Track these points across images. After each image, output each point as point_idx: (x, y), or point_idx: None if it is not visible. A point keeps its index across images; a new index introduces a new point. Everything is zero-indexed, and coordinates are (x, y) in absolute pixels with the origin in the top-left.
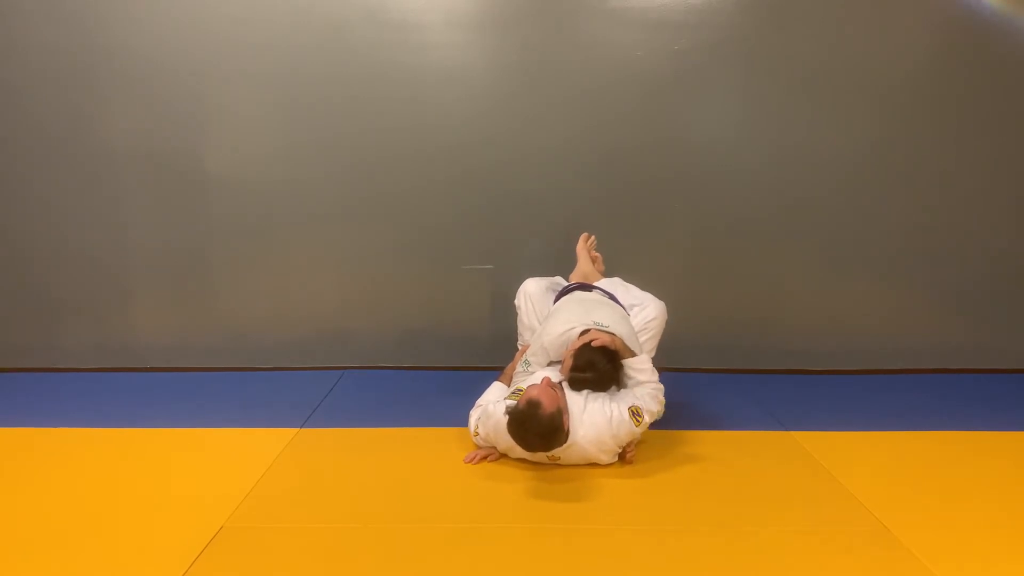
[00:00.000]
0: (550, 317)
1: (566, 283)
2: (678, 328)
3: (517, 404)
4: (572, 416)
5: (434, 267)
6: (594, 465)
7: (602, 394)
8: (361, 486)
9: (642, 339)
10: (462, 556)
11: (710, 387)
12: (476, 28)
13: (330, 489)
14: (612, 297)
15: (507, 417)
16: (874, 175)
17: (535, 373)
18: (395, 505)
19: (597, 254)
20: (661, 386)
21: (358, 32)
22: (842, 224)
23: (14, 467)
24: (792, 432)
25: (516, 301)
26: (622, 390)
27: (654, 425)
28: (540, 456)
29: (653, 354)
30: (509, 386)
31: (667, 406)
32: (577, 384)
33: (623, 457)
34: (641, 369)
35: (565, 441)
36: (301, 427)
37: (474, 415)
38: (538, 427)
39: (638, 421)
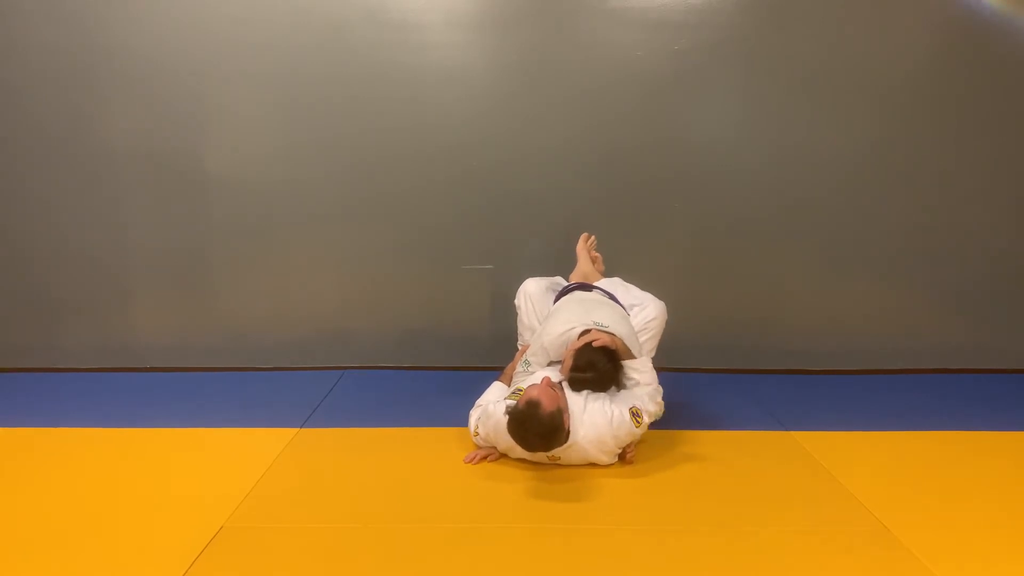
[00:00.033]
0: (550, 317)
1: (566, 283)
2: (678, 328)
3: (517, 404)
4: (573, 416)
5: (434, 267)
6: (594, 465)
7: (602, 394)
8: (361, 486)
9: (642, 339)
10: (462, 556)
11: (710, 387)
12: (476, 28)
13: (330, 489)
14: (612, 297)
15: (507, 417)
16: (874, 175)
17: (535, 373)
18: (395, 505)
19: (597, 254)
20: (660, 388)
21: (358, 32)
22: (842, 224)
23: (14, 467)
24: (792, 432)
25: (516, 301)
26: (622, 391)
27: (654, 425)
28: (540, 456)
29: (653, 354)
30: (509, 386)
31: (667, 406)
32: (577, 384)
33: (623, 457)
34: (641, 370)
35: (565, 441)
36: (301, 427)
37: (474, 415)
38: (538, 427)
39: (638, 422)
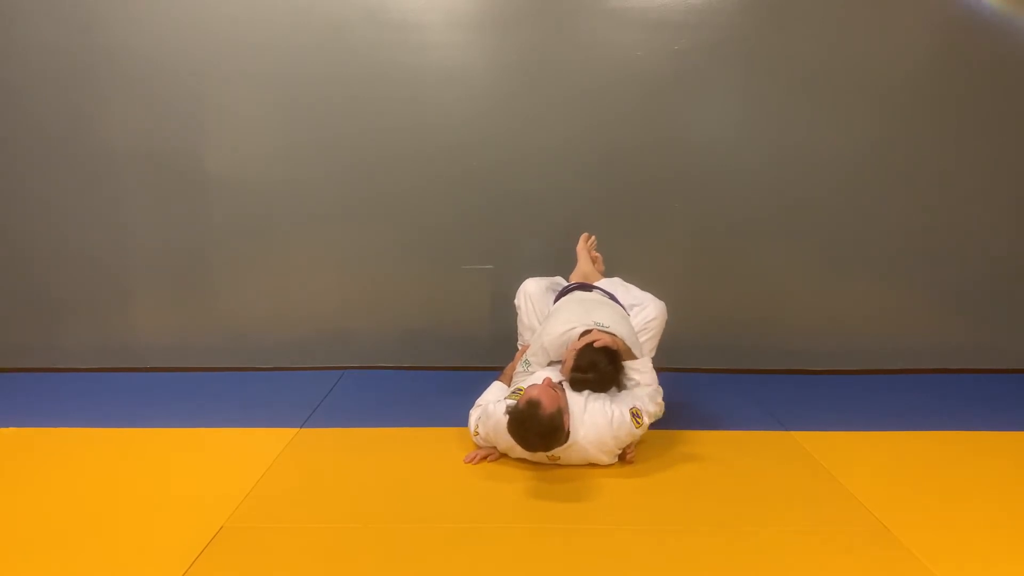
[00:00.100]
0: (550, 317)
1: (566, 283)
2: (678, 328)
3: (517, 404)
4: (573, 416)
5: (434, 267)
6: (594, 465)
7: (602, 395)
8: (361, 486)
9: (642, 339)
10: (462, 556)
11: (710, 387)
12: (476, 28)
13: (330, 489)
14: (612, 297)
15: (507, 417)
16: (874, 175)
17: (535, 373)
18: (395, 505)
19: (597, 254)
20: (660, 388)
21: (358, 32)
22: (842, 224)
23: (14, 467)
24: (792, 432)
25: (516, 301)
26: (622, 391)
27: (654, 425)
28: (540, 456)
29: (653, 354)
30: (509, 386)
31: (667, 406)
32: (578, 384)
33: (623, 457)
34: (641, 370)
35: (565, 441)
36: (301, 427)
37: (474, 415)
38: (538, 427)
39: (638, 423)
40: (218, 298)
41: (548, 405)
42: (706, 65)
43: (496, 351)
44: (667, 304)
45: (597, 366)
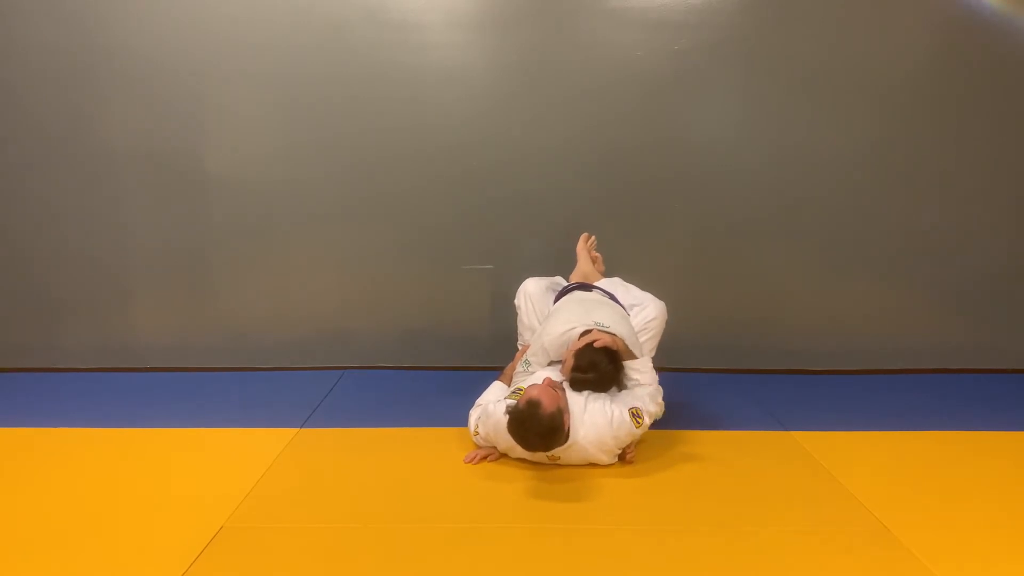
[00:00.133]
0: (550, 317)
1: (566, 283)
2: (678, 328)
3: (517, 404)
4: (573, 416)
5: (434, 267)
6: (594, 465)
7: (603, 395)
8: (361, 486)
9: (642, 339)
10: (462, 556)
11: (710, 387)
12: (476, 28)
13: (330, 489)
14: (612, 297)
15: (507, 417)
16: (874, 175)
17: (535, 373)
18: (395, 505)
19: (597, 254)
20: (660, 388)
21: (358, 32)
22: (842, 224)
23: (14, 467)
24: (792, 432)
25: (516, 301)
26: (622, 391)
27: (654, 425)
28: (540, 456)
29: (653, 354)
30: (509, 386)
31: (667, 406)
32: (578, 384)
33: (623, 457)
34: (641, 370)
35: (565, 441)
36: (301, 427)
37: (474, 415)
38: (538, 427)
39: (638, 423)
40: (218, 298)
41: (548, 405)
42: (706, 65)
43: (496, 351)
44: (667, 304)
45: (597, 366)
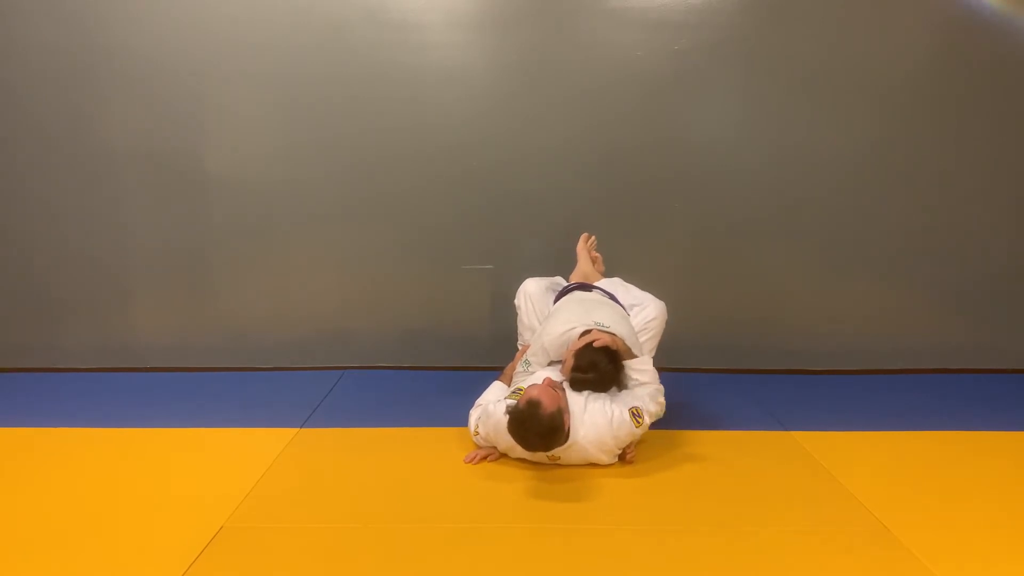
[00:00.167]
0: (550, 317)
1: (566, 283)
2: (678, 328)
3: (517, 403)
4: (573, 416)
5: (434, 267)
6: (594, 465)
7: (603, 395)
8: (361, 486)
9: (642, 339)
10: (462, 556)
11: (710, 387)
12: (476, 28)
13: (330, 489)
14: (612, 297)
15: (507, 417)
16: (874, 175)
17: (536, 373)
18: (395, 505)
19: (597, 254)
20: (661, 387)
21: (358, 32)
22: (842, 224)
23: (14, 467)
24: (792, 432)
25: (516, 301)
26: (622, 391)
27: (654, 425)
28: (540, 456)
29: (653, 354)
30: (509, 386)
31: (667, 406)
32: (578, 384)
33: (623, 457)
34: (642, 370)
35: (565, 441)
36: (301, 427)
37: (474, 415)
38: (538, 427)
39: (638, 422)
40: (218, 298)
41: (548, 405)
42: (706, 65)
43: (496, 351)
44: (667, 304)
45: (597, 366)
